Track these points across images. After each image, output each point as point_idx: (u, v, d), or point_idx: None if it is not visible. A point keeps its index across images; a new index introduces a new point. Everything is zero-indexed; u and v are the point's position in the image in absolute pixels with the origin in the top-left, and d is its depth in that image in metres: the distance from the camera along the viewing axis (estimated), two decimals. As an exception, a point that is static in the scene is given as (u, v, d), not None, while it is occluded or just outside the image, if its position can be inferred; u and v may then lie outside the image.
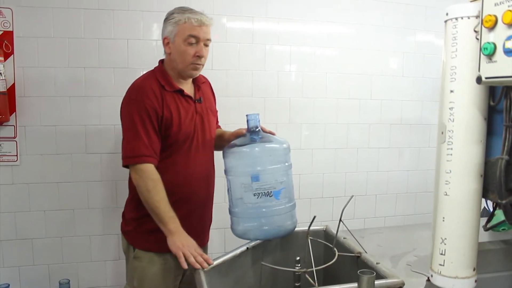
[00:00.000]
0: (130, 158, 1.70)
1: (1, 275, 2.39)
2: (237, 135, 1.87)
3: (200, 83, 1.92)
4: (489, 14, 0.90)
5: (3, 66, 2.24)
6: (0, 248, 2.39)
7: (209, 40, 1.79)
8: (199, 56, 1.75)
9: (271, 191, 1.66)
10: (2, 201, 2.37)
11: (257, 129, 1.77)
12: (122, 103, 1.78)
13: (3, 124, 2.31)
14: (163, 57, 1.87)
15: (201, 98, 1.88)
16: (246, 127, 1.82)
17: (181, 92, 1.80)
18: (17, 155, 2.35)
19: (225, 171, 1.80)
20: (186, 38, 1.73)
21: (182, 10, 1.76)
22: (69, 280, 2.34)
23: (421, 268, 1.51)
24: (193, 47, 1.74)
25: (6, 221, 2.38)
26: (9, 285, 2.27)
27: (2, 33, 2.27)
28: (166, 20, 1.79)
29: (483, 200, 1.11)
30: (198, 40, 1.74)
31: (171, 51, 1.78)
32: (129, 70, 2.41)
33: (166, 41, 1.79)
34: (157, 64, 1.88)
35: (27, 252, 2.42)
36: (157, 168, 1.71)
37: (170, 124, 1.74)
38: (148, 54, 2.41)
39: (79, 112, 2.41)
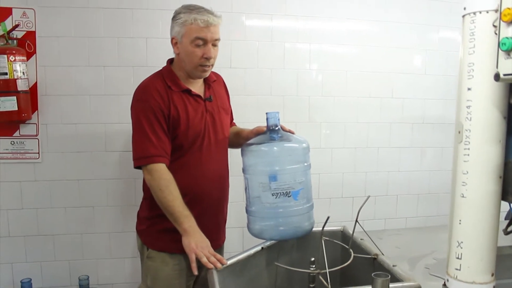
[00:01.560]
0: (140, 159, 1.70)
1: (24, 269, 2.44)
2: (257, 132, 1.84)
3: (211, 82, 1.89)
4: (508, 8, 0.86)
5: (26, 66, 2.28)
6: (23, 243, 2.44)
7: (217, 40, 1.75)
8: (207, 58, 1.72)
9: (289, 191, 1.64)
10: (25, 197, 2.42)
11: (277, 128, 1.75)
12: (131, 104, 1.78)
13: (26, 122, 2.36)
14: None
15: (211, 97, 1.85)
16: (265, 125, 1.80)
17: (188, 91, 1.78)
18: (39, 153, 2.40)
19: (243, 169, 1.77)
20: (193, 40, 1.70)
21: (189, 9, 1.72)
22: (88, 276, 2.38)
23: (439, 272, 1.46)
24: (200, 49, 1.71)
25: (29, 217, 2.43)
26: (31, 279, 2.32)
27: (25, 34, 2.32)
28: (173, 19, 1.76)
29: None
30: (205, 41, 1.71)
31: (179, 51, 1.76)
32: (148, 69, 2.38)
33: (174, 41, 1.77)
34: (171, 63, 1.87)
35: (49, 248, 2.47)
36: (169, 168, 1.70)
37: (177, 123, 1.72)
38: (167, 53, 2.37)
39: (99, 111, 2.44)
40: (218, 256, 1.54)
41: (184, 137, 1.74)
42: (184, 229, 1.63)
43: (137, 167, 1.73)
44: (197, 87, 1.84)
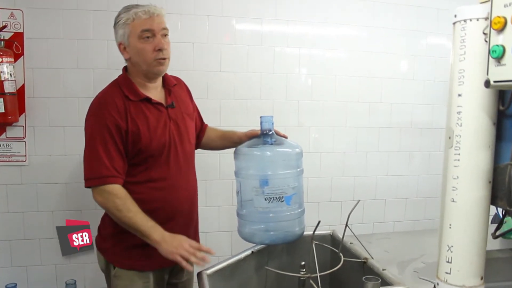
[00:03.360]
0: (91, 180, 1.59)
1: (9, 274, 2.40)
2: (250, 135, 1.80)
3: (171, 87, 1.78)
4: (498, 16, 0.88)
5: (13, 67, 2.25)
6: (8, 247, 2.40)
7: (165, 29, 1.65)
8: (160, 50, 1.62)
9: (282, 196, 1.63)
10: (10, 201, 2.38)
11: (271, 132, 1.74)
12: (86, 116, 1.68)
13: (13, 124, 2.32)
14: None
15: (173, 103, 1.74)
16: (255, 128, 1.81)
17: (148, 100, 1.67)
18: (25, 156, 2.37)
19: (236, 173, 1.77)
20: (140, 35, 1.60)
21: (127, 8, 1.64)
22: (76, 281, 2.35)
23: (428, 275, 1.47)
24: (150, 42, 1.61)
25: (15, 220, 2.39)
26: (16, 284, 2.28)
27: (13, 35, 2.29)
28: (115, 25, 1.67)
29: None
30: (153, 32, 1.61)
31: (130, 55, 1.66)
32: (138, 72, 2.40)
33: (122, 47, 1.67)
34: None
35: (35, 252, 2.43)
36: (136, 183, 1.63)
37: (138, 137, 1.62)
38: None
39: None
40: (204, 248, 1.51)
41: (148, 150, 1.64)
42: (156, 240, 1.53)
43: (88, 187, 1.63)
44: (157, 93, 1.73)
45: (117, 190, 1.58)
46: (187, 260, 1.49)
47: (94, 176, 1.59)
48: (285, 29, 2.64)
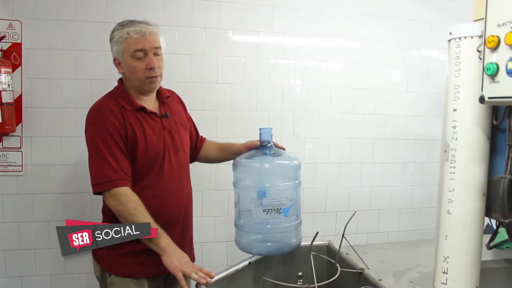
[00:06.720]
0: (101, 185, 1.60)
1: (4, 285, 2.39)
2: (250, 147, 1.82)
3: (164, 98, 1.82)
4: (492, 35, 0.91)
5: (11, 78, 2.26)
6: (3, 258, 2.39)
7: (157, 48, 1.69)
8: (151, 68, 1.66)
9: (280, 208, 1.64)
10: (6, 210, 2.37)
11: (269, 144, 1.75)
12: (85, 127, 1.71)
13: (9, 134, 2.32)
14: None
15: (167, 113, 1.78)
16: (252, 139, 1.83)
17: (143, 109, 1.71)
18: (22, 166, 2.36)
19: (234, 184, 1.78)
20: (132, 54, 1.65)
21: (121, 25, 1.68)
22: (71, 292, 2.34)
23: (424, 285, 1.49)
24: (142, 61, 1.65)
25: (10, 231, 2.38)
26: (11, 295, 2.27)
27: (11, 45, 2.30)
28: (110, 40, 1.71)
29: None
30: (145, 52, 1.65)
31: (124, 71, 1.71)
32: (135, 83, 2.41)
33: (116, 62, 1.72)
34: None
35: (30, 262, 2.42)
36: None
37: (135, 144, 1.66)
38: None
39: (84, 124, 2.41)
40: (205, 270, 1.52)
41: (143, 158, 1.68)
42: (163, 248, 1.54)
43: (97, 193, 1.64)
44: (151, 104, 1.77)
45: (129, 193, 1.60)
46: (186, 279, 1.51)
47: (103, 181, 1.60)
48: (281, 41, 2.67)
